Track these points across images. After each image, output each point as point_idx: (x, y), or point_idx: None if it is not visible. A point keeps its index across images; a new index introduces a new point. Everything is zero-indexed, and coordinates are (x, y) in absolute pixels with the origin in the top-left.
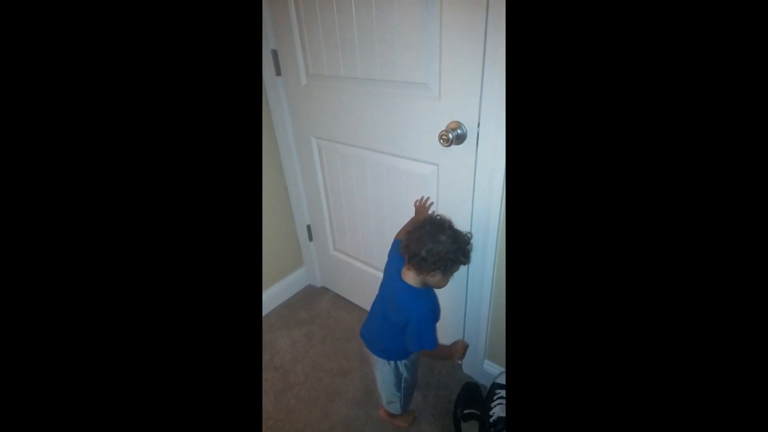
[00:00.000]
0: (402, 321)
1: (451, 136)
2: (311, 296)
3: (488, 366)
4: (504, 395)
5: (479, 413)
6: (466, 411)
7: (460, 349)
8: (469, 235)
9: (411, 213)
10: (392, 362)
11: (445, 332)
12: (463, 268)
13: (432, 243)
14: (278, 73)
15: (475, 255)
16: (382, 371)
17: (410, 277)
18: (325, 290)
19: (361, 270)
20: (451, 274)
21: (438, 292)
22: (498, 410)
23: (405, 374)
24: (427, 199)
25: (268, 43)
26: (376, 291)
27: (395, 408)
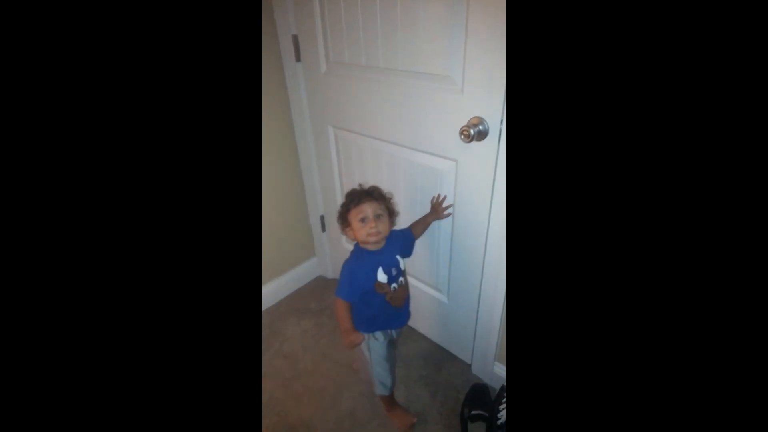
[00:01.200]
0: None
1: (472, 131)
2: (322, 287)
3: (498, 368)
4: None
5: (487, 415)
6: (473, 412)
7: (348, 334)
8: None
9: (426, 209)
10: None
11: (458, 333)
12: (477, 271)
13: None
14: (298, 59)
15: (490, 257)
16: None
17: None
18: (336, 282)
19: None
20: (350, 222)
21: (453, 296)
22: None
23: (367, 352)
24: (444, 197)
25: (289, 29)
26: None
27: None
